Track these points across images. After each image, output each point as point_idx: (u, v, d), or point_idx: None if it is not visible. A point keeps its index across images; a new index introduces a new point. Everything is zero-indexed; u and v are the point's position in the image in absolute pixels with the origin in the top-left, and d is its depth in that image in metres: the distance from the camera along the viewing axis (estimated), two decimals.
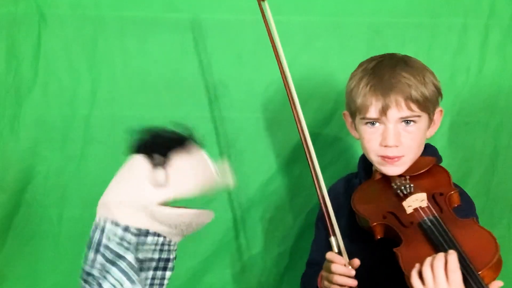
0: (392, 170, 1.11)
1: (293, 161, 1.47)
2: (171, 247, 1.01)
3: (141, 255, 0.97)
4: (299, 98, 1.43)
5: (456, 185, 1.11)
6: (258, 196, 1.43)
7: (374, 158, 1.12)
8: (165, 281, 1.01)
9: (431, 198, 1.06)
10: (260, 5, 1.13)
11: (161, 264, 1.00)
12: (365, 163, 1.19)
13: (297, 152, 1.46)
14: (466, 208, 1.09)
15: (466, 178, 1.44)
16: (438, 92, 1.13)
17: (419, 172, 1.12)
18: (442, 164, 1.16)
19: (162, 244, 1.00)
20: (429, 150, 1.18)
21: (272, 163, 1.47)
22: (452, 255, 0.90)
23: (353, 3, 1.42)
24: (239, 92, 1.44)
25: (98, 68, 1.42)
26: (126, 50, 1.42)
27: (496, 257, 0.92)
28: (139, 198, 0.95)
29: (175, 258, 1.01)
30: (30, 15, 1.41)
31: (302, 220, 1.48)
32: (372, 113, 1.09)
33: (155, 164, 0.93)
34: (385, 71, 1.10)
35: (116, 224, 0.94)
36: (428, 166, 1.12)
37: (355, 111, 1.13)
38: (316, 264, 1.16)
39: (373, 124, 1.10)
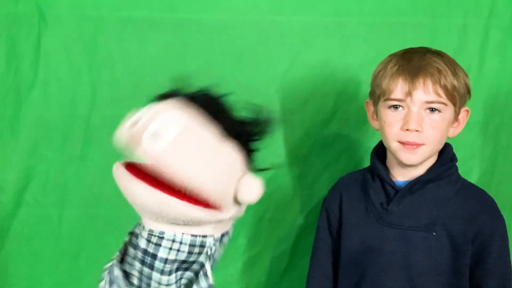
0: (409, 157, 1.09)
1: (293, 161, 1.47)
2: None
3: None
4: (299, 98, 1.44)
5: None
6: None
7: (392, 144, 1.10)
8: None
9: None
10: None
11: None
12: (378, 155, 1.18)
13: (297, 152, 1.46)
14: None
15: (466, 178, 1.43)
16: (467, 90, 1.12)
17: None
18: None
19: None
20: (446, 151, 1.16)
21: (272, 163, 1.46)
22: None
23: (353, 3, 1.41)
24: (239, 92, 1.43)
25: (98, 68, 1.42)
26: (126, 50, 1.42)
27: None
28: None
29: None
30: (30, 15, 1.40)
31: (302, 220, 1.48)
32: (398, 93, 1.07)
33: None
34: (416, 55, 1.09)
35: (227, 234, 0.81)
36: None
37: (379, 95, 1.11)
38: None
39: (396, 107, 1.09)
